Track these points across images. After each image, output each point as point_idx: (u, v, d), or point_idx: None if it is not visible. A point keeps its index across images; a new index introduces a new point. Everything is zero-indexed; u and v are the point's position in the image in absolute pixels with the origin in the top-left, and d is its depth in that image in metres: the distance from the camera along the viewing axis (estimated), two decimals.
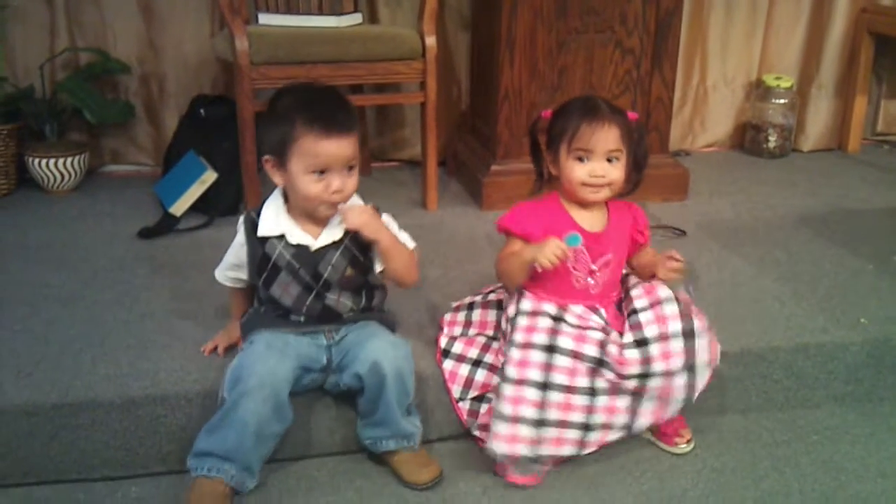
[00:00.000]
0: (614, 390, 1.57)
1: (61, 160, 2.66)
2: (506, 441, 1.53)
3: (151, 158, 2.96)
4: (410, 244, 1.61)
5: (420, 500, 1.54)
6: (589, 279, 1.63)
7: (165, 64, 2.89)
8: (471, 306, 1.80)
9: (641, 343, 1.58)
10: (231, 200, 2.51)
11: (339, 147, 1.48)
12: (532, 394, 1.53)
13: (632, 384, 1.57)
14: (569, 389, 1.54)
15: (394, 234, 1.57)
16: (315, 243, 1.55)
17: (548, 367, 1.54)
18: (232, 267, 1.64)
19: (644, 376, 1.57)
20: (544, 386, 1.53)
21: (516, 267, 1.59)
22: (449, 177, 2.93)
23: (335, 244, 1.56)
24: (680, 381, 1.57)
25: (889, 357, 1.87)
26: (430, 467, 1.58)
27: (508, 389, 1.54)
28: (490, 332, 1.74)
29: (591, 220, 1.63)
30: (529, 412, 1.53)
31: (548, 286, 1.63)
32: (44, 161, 2.65)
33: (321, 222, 1.56)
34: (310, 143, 1.46)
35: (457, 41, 3.01)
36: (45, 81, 2.74)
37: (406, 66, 2.45)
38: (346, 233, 1.55)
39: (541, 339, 1.56)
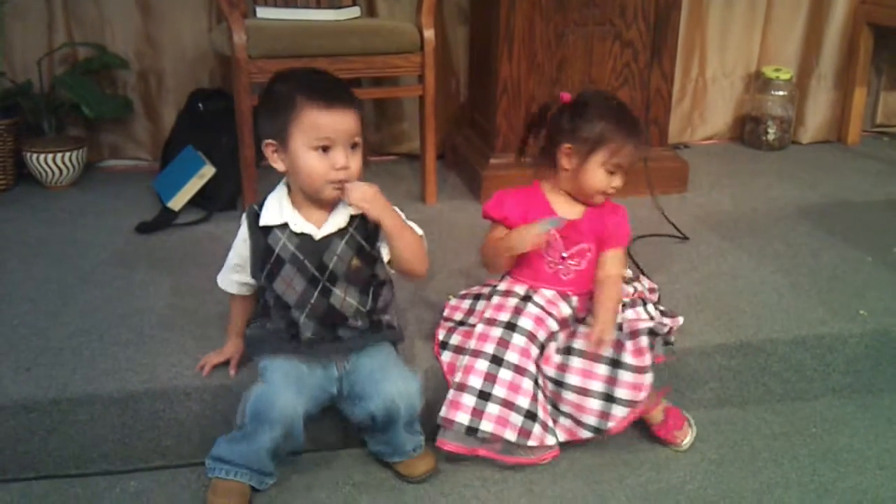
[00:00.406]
0: (545, 390, 1.61)
1: (59, 155, 2.66)
2: (449, 406, 1.56)
3: (149, 153, 2.96)
4: (418, 230, 1.57)
5: (419, 494, 1.54)
6: (559, 266, 1.66)
7: (163, 59, 2.88)
8: (477, 297, 1.80)
9: (567, 351, 1.60)
10: (229, 195, 2.51)
11: (342, 119, 1.45)
12: (483, 365, 1.57)
13: (549, 387, 1.61)
14: (519, 370, 1.57)
15: (400, 215, 1.53)
16: (319, 232, 1.51)
17: (504, 344, 1.58)
18: (235, 268, 1.59)
19: (558, 383, 1.59)
20: (497, 360, 1.57)
21: (500, 253, 1.63)
22: (448, 170, 2.92)
23: (340, 232, 1.51)
24: (594, 404, 1.57)
25: (888, 349, 1.87)
26: (425, 460, 1.58)
27: (465, 360, 1.59)
28: None
29: (568, 209, 1.65)
30: (476, 382, 1.56)
31: (523, 269, 1.68)
32: (42, 156, 2.65)
33: (325, 209, 1.52)
34: (312, 116, 1.43)
35: (455, 34, 3.00)
36: (43, 76, 2.74)
37: (404, 59, 2.44)
38: (352, 219, 1.52)
39: (505, 316, 1.62)
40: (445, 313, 1.81)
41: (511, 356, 1.57)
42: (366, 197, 1.47)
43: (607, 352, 1.57)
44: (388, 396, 1.50)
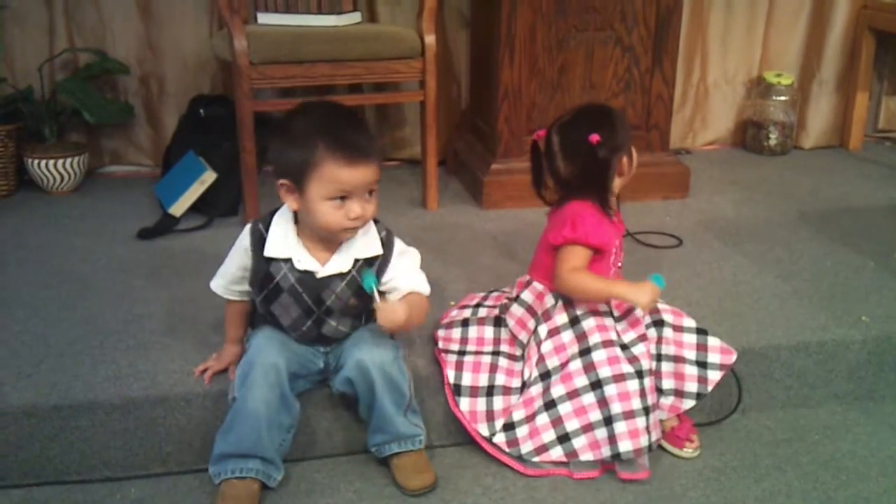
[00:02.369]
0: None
1: (60, 161, 2.66)
2: (629, 437, 1.56)
3: (151, 159, 2.96)
4: (425, 290, 1.59)
5: (419, 501, 1.54)
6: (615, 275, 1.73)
7: (164, 64, 2.89)
8: (465, 323, 1.76)
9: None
10: (230, 201, 2.51)
11: (363, 174, 1.43)
12: (634, 385, 1.58)
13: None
14: (640, 375, 1.61)
15: (408, 309, 1.51)
16: (322, 270, 1.52)
17: (632, 360, 1.62)
18: (237, 279, 1.58)
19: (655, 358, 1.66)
20: (638, 374, 1.59)
21: (601, 296, 1.62)
22: (449, 176, 2.93)
23: (341, 274, 1.53)
24: (691, 370, 1.69)
25: (890, 355, 1.86)
26: (425, 474, 1.56)
27: (610, 389, 1.58)
28: (489, 349, 1.71)
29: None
30: (637, 403, 1.57)
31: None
32: (43, 162, 2.65)
33: (331, 248, 1.53)
34: (333, 170, 1.41)
35: (456, 40, 3.00)
36: (44, 82, 2.74)
37: (405, 64, 2.44)
38: (355, 262, 1.53)
39: (611, 335, 1.64)
40: (441, 338, 1.76)
41: (644, 364, 1.62)
42: (393, 326, 1.50)
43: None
44: (358, 358, 1.52)
